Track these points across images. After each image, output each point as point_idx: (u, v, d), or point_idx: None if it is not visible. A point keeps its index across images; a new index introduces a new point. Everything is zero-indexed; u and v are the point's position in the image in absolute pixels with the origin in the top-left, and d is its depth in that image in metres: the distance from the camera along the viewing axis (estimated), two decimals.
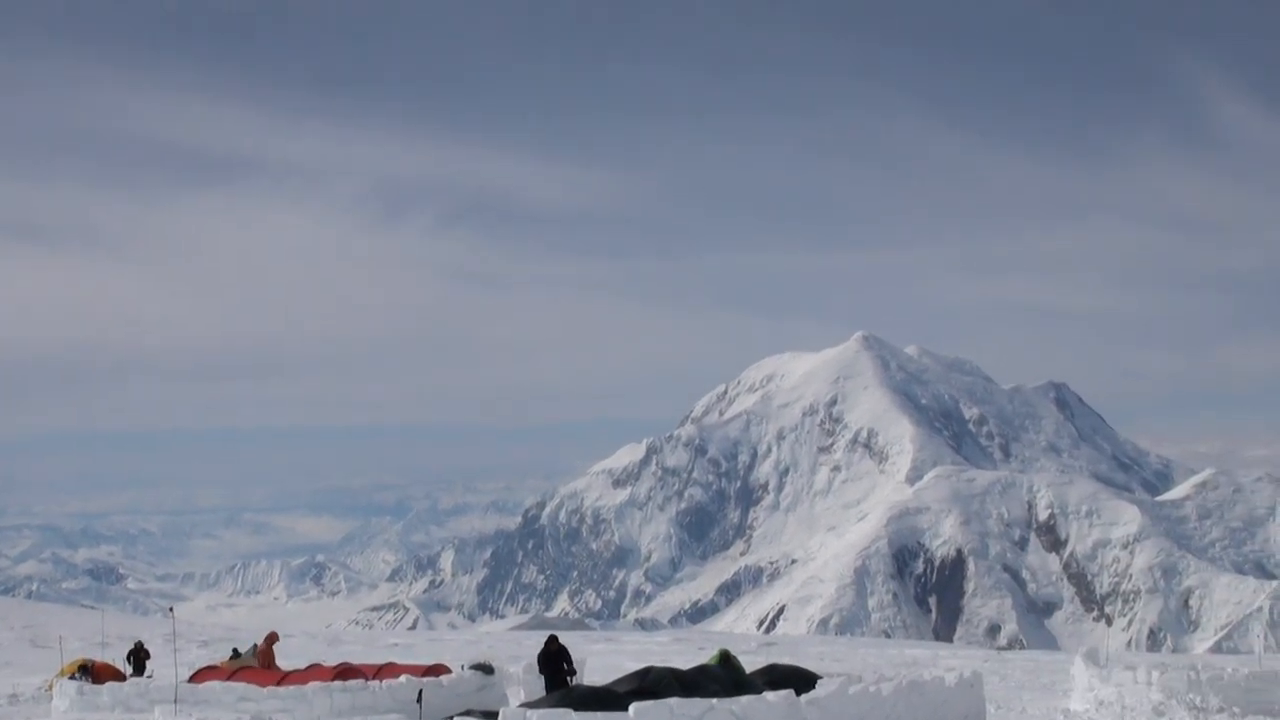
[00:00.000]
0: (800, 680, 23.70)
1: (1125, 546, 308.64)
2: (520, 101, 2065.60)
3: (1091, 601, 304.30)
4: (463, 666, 29.46)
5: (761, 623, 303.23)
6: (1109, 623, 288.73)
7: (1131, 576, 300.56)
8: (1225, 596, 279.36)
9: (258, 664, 30.65)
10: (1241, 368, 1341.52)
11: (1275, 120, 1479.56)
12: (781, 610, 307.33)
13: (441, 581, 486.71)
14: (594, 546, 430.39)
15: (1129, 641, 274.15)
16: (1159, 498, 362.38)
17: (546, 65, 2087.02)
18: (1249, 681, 28.61)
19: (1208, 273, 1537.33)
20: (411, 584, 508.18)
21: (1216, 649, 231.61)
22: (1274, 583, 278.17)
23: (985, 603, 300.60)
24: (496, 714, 20.37)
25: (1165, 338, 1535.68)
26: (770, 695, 20.10)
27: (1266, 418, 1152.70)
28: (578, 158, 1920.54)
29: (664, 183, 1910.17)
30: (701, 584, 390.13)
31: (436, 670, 29.14)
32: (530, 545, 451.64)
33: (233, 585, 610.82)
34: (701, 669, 24.44)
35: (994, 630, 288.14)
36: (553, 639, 28.33)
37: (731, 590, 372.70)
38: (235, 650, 34.54)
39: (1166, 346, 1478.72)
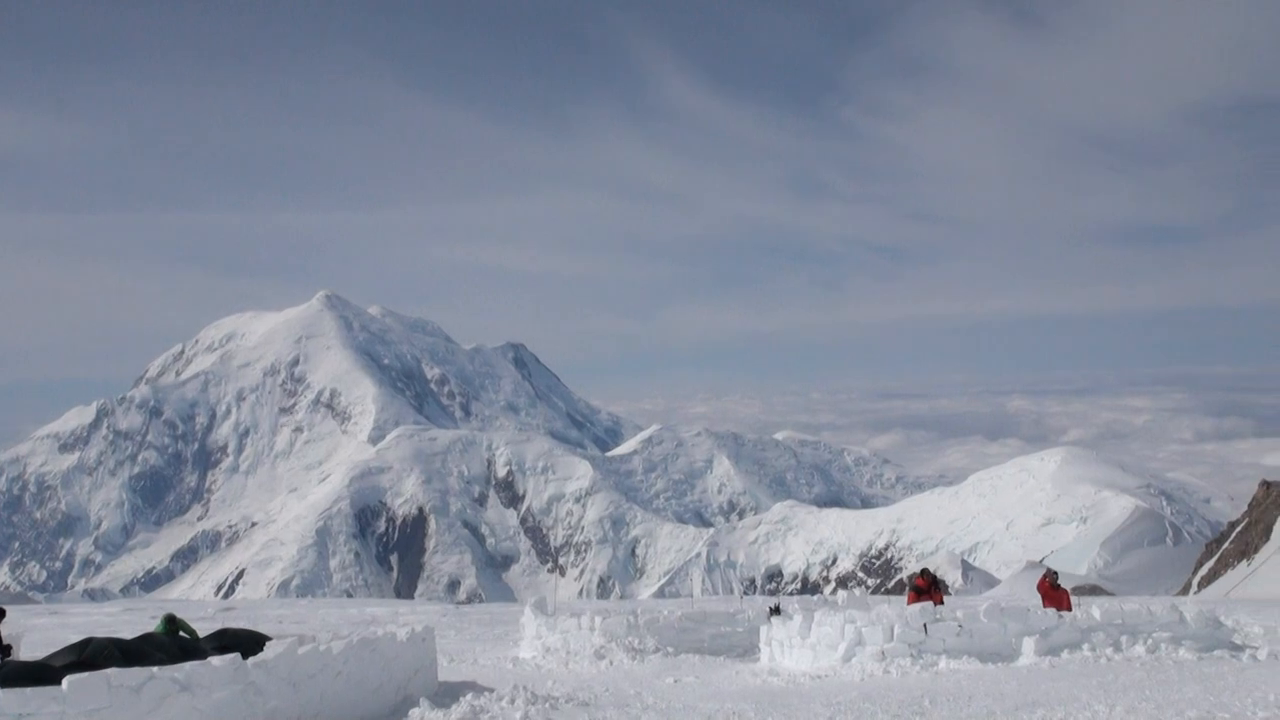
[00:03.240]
0: (251, 643, 23.21)
1: (578, 500, 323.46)
2: None
3: (547, 554, 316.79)
4: None
5: (220, 588, 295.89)
6: (562, 573, 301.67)
7: (584, 529, 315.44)
8: (668, 544, 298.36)
9: None
10: (684, 330, 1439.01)
11: (718, 97, 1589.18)
12: (241, 574, 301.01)
13: None
14: (38, 515, 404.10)
15: (580, 590, 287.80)
16: (609, 453, 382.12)
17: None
18: (681, 622, 30.68)
19: (656, 240, 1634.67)
20: None
21: (660, 594, 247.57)
22: (710, 530, 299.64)
23: (446, 559, 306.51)
24: None
25: (616, 301, 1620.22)
26: (215, 660, 19.53)
27: (705, 377, 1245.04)
28: (24, 103, 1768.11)
29: (118, 135, 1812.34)
30: (156, 551, 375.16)
31: None
32: None
33: None
34: (146, 637, 23.36)
35: (454, 585, 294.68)
36: None
37: (189, 556, 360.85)
38: None
39: (617, 310, 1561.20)
